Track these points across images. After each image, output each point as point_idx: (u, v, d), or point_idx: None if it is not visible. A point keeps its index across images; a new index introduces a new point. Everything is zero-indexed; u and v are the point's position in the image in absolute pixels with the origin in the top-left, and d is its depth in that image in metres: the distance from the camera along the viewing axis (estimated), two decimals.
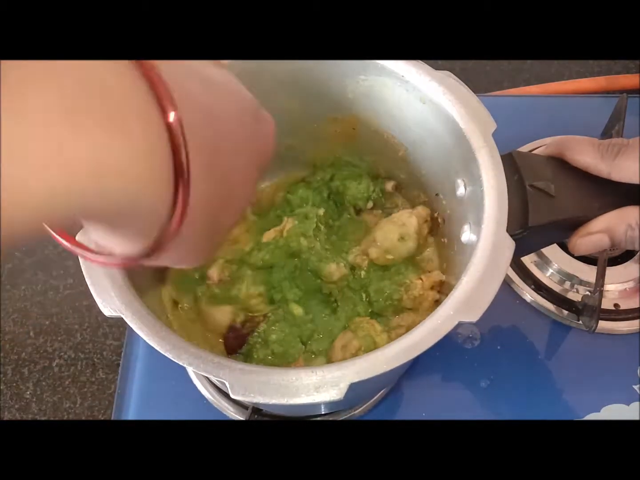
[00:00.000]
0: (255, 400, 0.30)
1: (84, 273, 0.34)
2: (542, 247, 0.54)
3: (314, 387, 0.30)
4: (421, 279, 0.44)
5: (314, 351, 0.43)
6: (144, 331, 0.32)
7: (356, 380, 0.31)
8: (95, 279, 0.33)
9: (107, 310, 0.33)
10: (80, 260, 0.34)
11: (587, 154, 0.36)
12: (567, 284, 0.55)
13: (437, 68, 0.40)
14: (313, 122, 0.47)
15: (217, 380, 0.34)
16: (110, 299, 0.33)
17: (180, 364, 0.31)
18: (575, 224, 0.38)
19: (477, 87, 0.74)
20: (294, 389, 0.30)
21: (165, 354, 0.31)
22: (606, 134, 0.54)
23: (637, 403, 0.49)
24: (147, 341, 0.32)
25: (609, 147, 0.36)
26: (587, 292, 0.53)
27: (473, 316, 0.32)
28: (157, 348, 0.32)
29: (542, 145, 0.59)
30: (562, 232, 0.40)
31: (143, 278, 0.40)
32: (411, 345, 0.32)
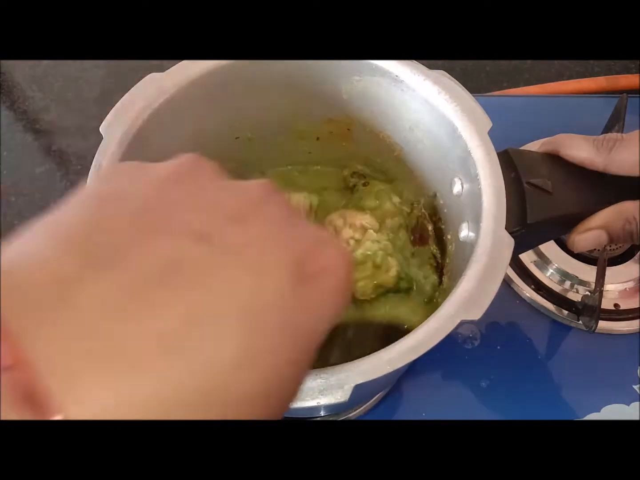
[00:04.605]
0: None
1: None
2: (540, 244, 0.54)
3: (318, 390, 0.30)
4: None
5: None
6: None
7: (360, 381, 0.30)
8: None
9: None
10: None
11: (582, 149, 0.36)
12: (567, 284, 0.55)
13: (436, 68, 0.40)
14: (307, 123, 0.47)
15: None
16: None
17: None
18: (573, 220, 0.38)
19: (477, 87, 0.74)
20: None
21: None
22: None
23: (637, 403, 0.49)
24: None
25: (604, 141, 0.36)
26: (587, 292, 0.53)
27: (475, 314, 0.32)
28: None
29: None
30: (561, 228, 0.40)
31: None
32: (414, 346, 0.31)
